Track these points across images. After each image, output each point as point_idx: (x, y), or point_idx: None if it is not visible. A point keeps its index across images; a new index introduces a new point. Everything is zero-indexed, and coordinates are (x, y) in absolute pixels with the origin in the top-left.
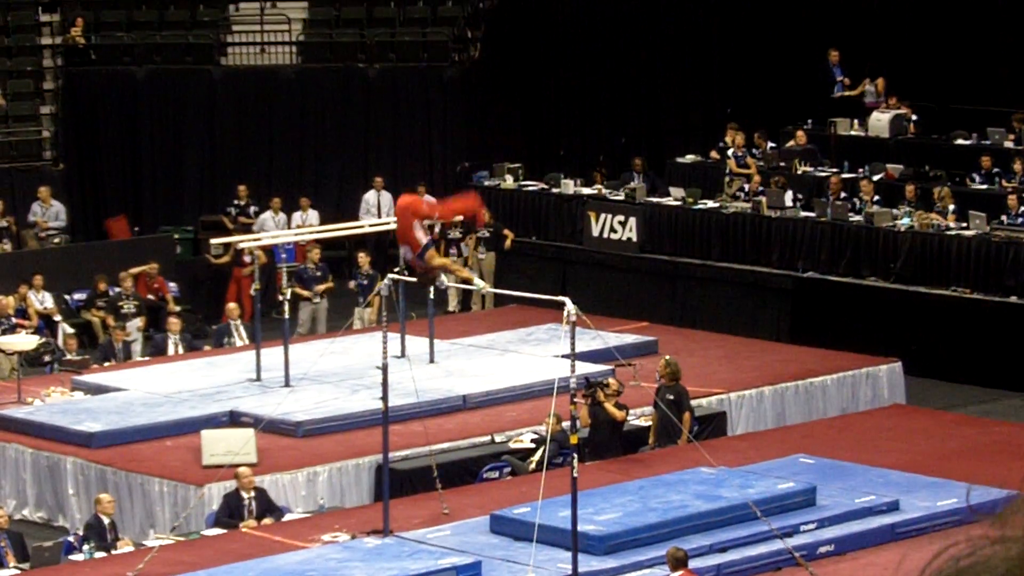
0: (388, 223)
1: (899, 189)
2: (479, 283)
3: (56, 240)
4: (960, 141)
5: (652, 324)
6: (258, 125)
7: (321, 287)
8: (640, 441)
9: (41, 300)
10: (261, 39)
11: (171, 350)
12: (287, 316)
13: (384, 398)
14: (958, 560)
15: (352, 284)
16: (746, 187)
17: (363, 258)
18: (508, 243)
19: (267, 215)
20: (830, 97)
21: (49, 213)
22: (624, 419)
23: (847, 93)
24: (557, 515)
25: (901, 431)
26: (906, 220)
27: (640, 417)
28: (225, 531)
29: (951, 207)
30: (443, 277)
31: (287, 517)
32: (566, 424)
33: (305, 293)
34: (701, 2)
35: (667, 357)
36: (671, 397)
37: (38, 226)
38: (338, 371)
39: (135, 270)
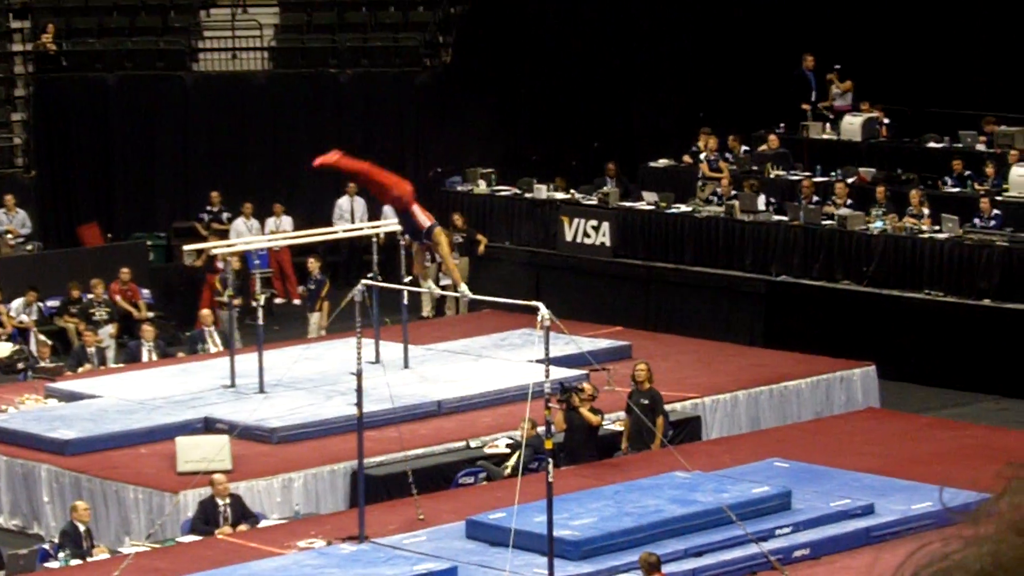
0: (360, 228)
1: (871, 193)
2: (464, 289)
3: (28, 247)
4: (932, 144)
5: (626, 328)
6: (230, 131)
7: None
8: (615, 446)
9: (29, 313)
10: (233, 45)
11: (145, 357)
12: (261, 322)
13: (359, 404)
14: (932, 560)
15: (301, 289)
16: (719, 191)
17: (312, 263)
18: (481, 248)
19: (240, 221)
20: (806, 103)
21: (15, 221)
22: (599, 424)
23: (832, 104)
24: (533, 520)
25: (875, 435)
26: (879, 224)
27: (615, 422)
28: (200, 538)
29: (926, 211)
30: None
31: (262, 524)
32: (541, 429)
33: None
34: (674, 7)
35: (645, 362)
36: (646, 402)
37: (10, 234)
38: (312, 377)
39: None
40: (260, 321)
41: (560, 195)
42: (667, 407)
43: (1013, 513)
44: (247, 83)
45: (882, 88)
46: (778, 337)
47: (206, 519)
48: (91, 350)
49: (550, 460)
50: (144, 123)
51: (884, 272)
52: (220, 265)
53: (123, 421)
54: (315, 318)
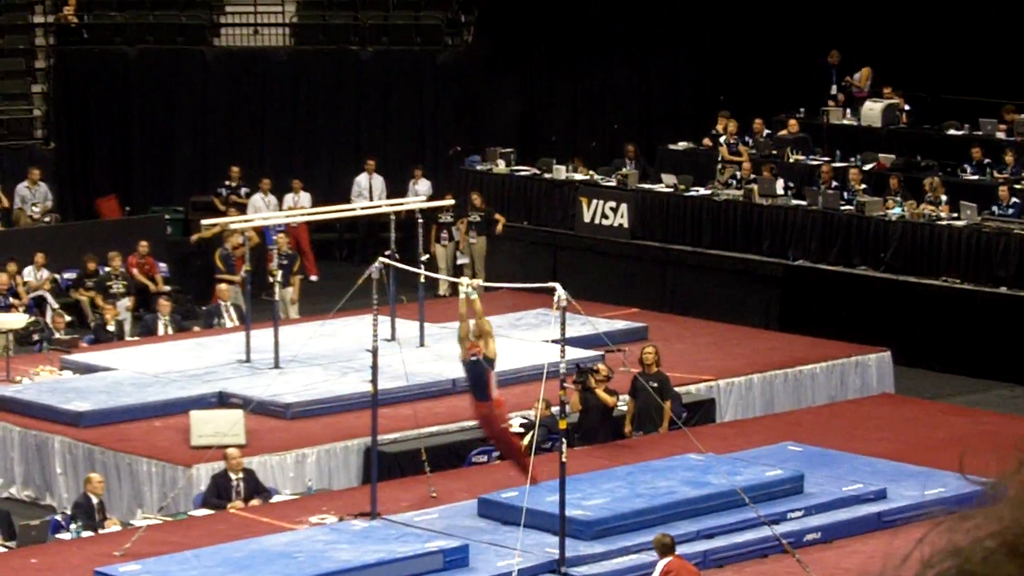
0: (379, 206)
1: (889, 180)
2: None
3: (47, 219)
4: (952, 132)
5: (642, 310)
6: (250, 106)
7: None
8: None
9: (40, 276)
10: (254, 20)
11: (161, 331)
12: (277, 298)
13: (374, 381)
14: (947, 540)
15: (273, 265)
16: (738, 175)
17: (281, 239)
18: (499, 228)
19: (258, 196)
20: (829, 94)
21: (38, 194)
22: (615, 405)
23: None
24: (545, 500)
25: (889, 420)
26: (897, 210)
27: (628, 404)
28: (213, 512)
29: (943, 198)
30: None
31: (275, 499)
32: (555, 409)
33: (232, 278)
34: None
35: (653, 345)
36: (654, 385)
37: (36, 207)
38: (328, 353)
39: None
40: (276, 297)
41: (579, 176)
42: (682, 389)
43: None
44: (268, 59)
45: (903, 75)
46: (794, 321)
47: (219, 493)
48: (111, 327)
49: (563, 440)
50: (164, 97)
51: (901, 258)
52: (239, 240)
53: (138, 394)
54: (287, 293)
